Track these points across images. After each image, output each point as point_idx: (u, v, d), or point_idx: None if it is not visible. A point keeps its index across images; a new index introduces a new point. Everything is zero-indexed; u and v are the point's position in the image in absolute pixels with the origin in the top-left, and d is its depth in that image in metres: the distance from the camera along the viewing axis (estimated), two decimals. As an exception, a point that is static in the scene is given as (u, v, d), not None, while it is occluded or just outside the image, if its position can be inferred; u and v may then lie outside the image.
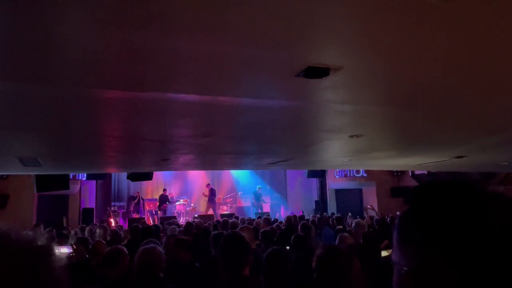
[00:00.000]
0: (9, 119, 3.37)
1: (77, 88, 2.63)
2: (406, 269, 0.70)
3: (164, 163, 6.73)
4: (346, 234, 5.26)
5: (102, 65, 2.25)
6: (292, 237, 4.65)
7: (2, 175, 11.99)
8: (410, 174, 15.24)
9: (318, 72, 2.35)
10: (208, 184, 17.48)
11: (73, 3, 1.53)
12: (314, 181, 18.28)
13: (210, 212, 17.04)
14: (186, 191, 18.19)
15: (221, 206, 17.87)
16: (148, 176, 8.86)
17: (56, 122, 3.55)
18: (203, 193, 17.40)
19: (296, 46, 2.06)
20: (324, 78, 2.43)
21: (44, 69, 2.26)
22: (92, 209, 15.47)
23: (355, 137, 4.55)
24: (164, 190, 16.97)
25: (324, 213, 13.31)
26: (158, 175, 15.70)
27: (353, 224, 6.30)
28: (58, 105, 3.02)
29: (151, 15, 1.65)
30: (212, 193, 17.26)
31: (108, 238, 6.85)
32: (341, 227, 8.17)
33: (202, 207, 17.82)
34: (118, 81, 2.55)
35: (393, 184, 16.89)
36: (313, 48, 2.10)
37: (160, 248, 2.77)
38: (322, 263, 2.45)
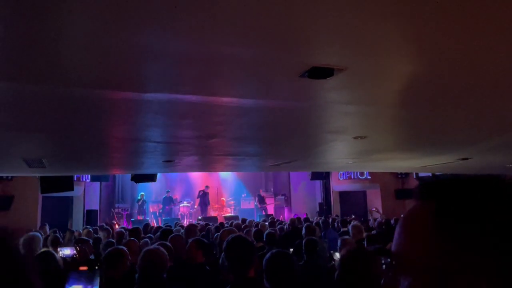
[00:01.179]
0: (15, 120, 3.39)
1: (82, 89, 2.64)
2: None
3: (168, 165, 6.74)
4: (348, 237, 5.23)
5: (106, 66, 2.25)
6: (304, 242, 4.64)
7: (7, 177, 12.05)
8: (414, 176, 15.17)
9: (322, 72, 2.34)
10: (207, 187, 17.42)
11: (76, 3, 1.54)
12: (318, 184, 18.23)
13: (214, 214, 17.04)
14: (190, 193, 18.20)
15: (224, 209, 17.86)
16: (152, 178, 8.87)
17: (61, 123, 3.56)
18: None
19: (300, 47, 2.05)
20: (328, 78, 2.42)
21: (49, 70, 2.27)
22: (96, 210, 15.50)
23: (359, 138, 4.53)
24: (168, 191, 16.98)
25: (331, 216, 13.28)
26: (162, 177, 15.74)
27: (350, 227, 6.24)
28: (62, 106, 3.03)
29: (155, 16, 1.65)
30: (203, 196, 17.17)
31: (114, 239, 6.86)
32: (346, 229, 8.14)
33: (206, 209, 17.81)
34: (122, 82, 2.56)
35: (398, 186, 16.81)
36: (317, 49, 2.10)
37: (163, 249, 2.76)
38: (346, 264, 2.44)
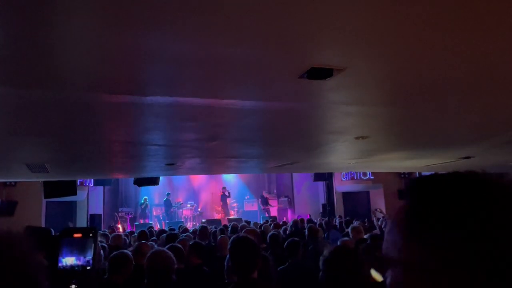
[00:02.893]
0: (18, 125, 3.40)
1: (83, 93, 2.66)
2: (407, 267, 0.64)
3: (170, 168, 6.75)
4: (347, 238, 5.24)
5: (107, 70, 2.27)
6: (286, 244, 4.61)
7: (11, 182, 12.08)
8: (417, 175, 15.13)
9: (321, 73, 2.35)
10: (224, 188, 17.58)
11: (77, 8, 1.55)
12: (321, 185, 18.19)
13: (217, 216, 17.04)
14: (193, 196, 18.20)
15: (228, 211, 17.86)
16: (154, 181, 8.88)
17: (63, 128, 3.58)
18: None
19: (298, 47, 2.06)
20: (327, 79, 2.42)
21: (50, 75, 2.29)
22: (100, 215, 15.52)
23: (361, 138, 4.53)
24: (168, 194, 16.99)
25: (334, 217, 13.26)
26: (165, 180, 15.74)
27: (349, 230, 6.19)
28: (64, 111, 3.05)
29: (157, 20, 1.66)
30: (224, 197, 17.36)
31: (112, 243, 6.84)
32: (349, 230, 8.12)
33: (208, 212, 17.81)
34: (123, 86, 2.57)
35: (401, 186, 16.74)
36: (316, 49, 2.10)
37: (169, 252, 2.76)
38: (330, 263, 2.43)
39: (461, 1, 1.60)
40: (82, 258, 1.30)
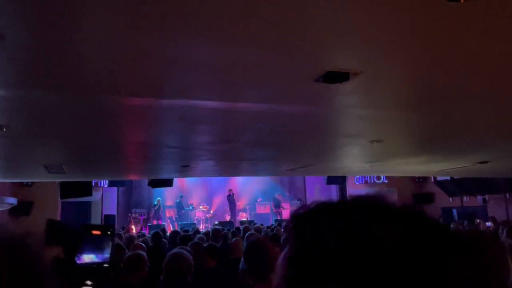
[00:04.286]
0: (36, 127, 3.48)
1: (101, 96, 2.70)
2: None
3: (184, 170, 6.79)
4: None
5: (125, 73, 2.31)
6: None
7: (27, 183, 12.29)
8: (432, 180, 14.95)
9: (337, 76, 2.35)
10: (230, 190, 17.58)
11: (101, 12, 1.58)
12: (334, 188, 18.09)
13: (229, 218, 17.07)
14: (206, 198, 18.27)
15: (240, 213, 17.86)
16: (168, 183, 8.95)
17: (80, 130, 3.64)
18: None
19: (315, 52, 2.07)
20: (344, 82, 2.42)
21: (72, 78, 2.33)
22: (114, 215, 15.69)
23: (375, 142, 4.50)
24: (181, 197, 17.09)
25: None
26: (178, 182, 15.84)
27: None
28: (83, 113, 3.10)
29: (174, 24, 1.69)
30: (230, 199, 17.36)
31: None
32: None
33: (221, 214, 17.85)
34: (141, 89, 2.61)
35: (415, 191, 16.57)
36: (332, 53, 2.11)
37: (188, 253, 2.78)
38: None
39: (478, 8, 1.59)
40: (100, 255, 1.32)
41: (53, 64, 2.11)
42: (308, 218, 0.62)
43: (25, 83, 2.40)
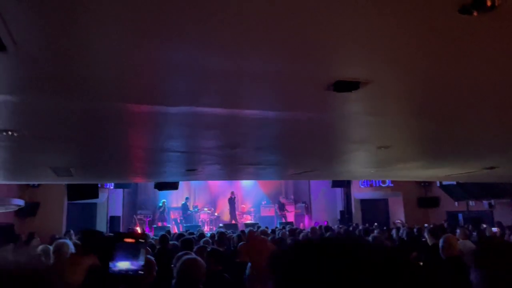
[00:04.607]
0: (44, 132, 3.49)
1: (109, 102, 2.72)
2: None
3: (190, 173, 6.81)
4: None
5: (134, 81, 2.31)
6: None
7: (34, 184, 12.37)
8: (438, 184, 14.88)
9: (347, 85, 2.34)
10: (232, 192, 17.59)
11: (107, 22, 1.59)
12: (339, 191, 18.07)
13: (234, 221, 17.08)
14: (211, 200, 18.31)
15: (245, 215, 17.88)
16: (174, 186, 8.98)
17: (88, 134, 3.66)
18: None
19: (326, 61, 2.06)
20: (353, 91, 2.42)
21: (80, 85, 2.34)
22: (119, 217, 15.76)
23: (383, 148, 4.49)
24: (187, 199, 17.12)
25: (351, 224, 13.12)
26: (183, 184, 15.87)
27: (370, 238, 6.10)
28: (91, 119, 3.12)
29: (182, 33, 1.69)
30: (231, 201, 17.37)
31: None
32: (368, 238, 8.02)
33: (226, 216, 17.87)
34: (149, 96, 2.62)
35: (420, 194, 16.51)
36: (343, 62, 2.11)
37: (201, 260, 2.78)
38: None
39: (489, 20, 1.59)
40: (134, 262, 1.33)
41: (62, 70, 2.12)
42: (283, 261, 0.71)
43: (34, 89, 2.42)
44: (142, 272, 1.32)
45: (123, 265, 1.31)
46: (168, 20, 1.59)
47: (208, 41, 1.78)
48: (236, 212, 17.78)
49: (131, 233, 1.37)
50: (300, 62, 2.06)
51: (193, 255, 2.83)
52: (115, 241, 1.34)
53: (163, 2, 1.46)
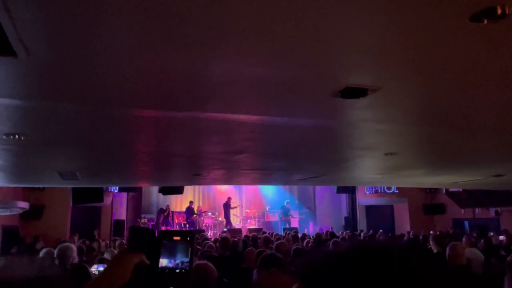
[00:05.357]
0: (51, 136, 3.51)
1: (117, 108, 2.73)
2: None
3: (195, 178, 6.81)
4: None
5: (142, 87, 2.32)
6: None
7: (39, 187, 12.43)
8: (444, 191, 14.79)
9: (356, 92, 2.34)
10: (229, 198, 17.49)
11: (119, 30, 1.60)
12: (344, 197, 18.00)
13: (239, 226, 17.04)
14: (215, 205, 18.29)
15: (249, 221, 17.83)
16: (179, 190, 8.98)
17: (95, 139, 3.67)
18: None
19: (334, 68, 2.06)
20: (361, 98, 2.41)
21: (88, 91, 2.36)
22: (123, 221, 15.77)
23: (390, 155, 4.47)
24: (191, 202, 17.10)
25: (357, 231, 13.05)
26: (188, 188, 15.88)
27: None
28: (98, 124, 3.13)
29: (192, 41, 1.70)
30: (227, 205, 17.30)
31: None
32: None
33: (231, 221, 17.84)
34: (156, 102, 2.63)
35: (426, 201, 16.41)
36: (352, 70, 2.10)
37: (212, 266, 2.75)
38: None
39: (499, 29, 1.58)
40: (181, 260, 1.32)
41: (72, 77, 2.13)
42: (319, 270, 0.65)
43: (42, 94, 2.43)
44: (189, 270, 1.31)
45: (170, 263, 1.31)
46: (175, 31, 1.60)
47: (213, 49, 1.79)
48: (240, 217, 17.75)
49: (178, 231, 1.37)
50: (309, 70, 2.06)
51: (208, 262, 2.81)
52: (163, 238, 1.34)
53: (172, 14, 1.46)
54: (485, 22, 1.55)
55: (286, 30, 1.62)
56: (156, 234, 1.35)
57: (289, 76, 2.15)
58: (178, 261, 1.30)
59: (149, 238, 1.32)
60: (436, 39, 1.73)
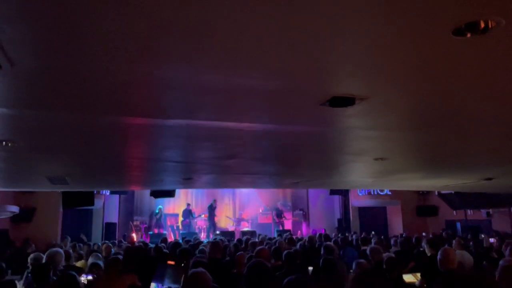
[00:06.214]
0: (40, 143, 3.48)
1: (105, 115, 2.71)
2: None
3: (186, 182, 6.79)
4: (363, 260, 5.05)
5: (131, 96, 2.31)
6: (321, 261, 4.47)
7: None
8: (436, 193, 14.88)
9: (343, 101, 2.34)
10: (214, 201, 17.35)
11: (105, 39, 1.59)
12: (337, 199, 18.04)
13: (231, 228, 17.00)
14: (207, 207, 18.23)
15: (242, 223, 17.81)
16: (170, 194, 8.95)
17: (84, 146, 3.64)
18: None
19: (321, 78, 2.06)
20: (349, 107, 2.42)
21: (78, 99, 2.34)
22: (115, 223, 15.66)
23: (380, 160, 4.49)
24: (188, 205, 17.01)
25: (349, 233, 13.08)
26: (180, 191, 15.82)
27: (368, 251, 6.03)
28: (87, 131, 3.11)
29: (180, 51, 1.69)
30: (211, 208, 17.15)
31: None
32: (366, 248, 7.96)
33: (223, 223, 17.80)
34: (145, 110, 2.61)
35: (419, 203, 16.49)
36: (339, 80, 2.11)
37: (207, 272, 2.74)
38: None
39: (481, 42, 1.59)
40: (174, 285, 1.32)
41: (58, 86, 2.11)
42: None
43: (30, 103, 2.41)
44: None
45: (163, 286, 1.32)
46: (163, 42, 1.59)
47: (204, 60, 1.78)
48: (233, 219, 17.71)
49: (173, 256, 1.37)
50: (296, 80, 2.07)
51: (204, 270, 2.79)
52: (158, 262, 1.35)
53: (158, 26, 1.45)
54: (468, 35, 1.56)
55: (273, 43, 1.62)
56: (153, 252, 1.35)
57: (276, 86, 2.15)
58: (172, 285, 1.30)
59: (144, 261, 1.32)
60: (421, 51, 1.74)
